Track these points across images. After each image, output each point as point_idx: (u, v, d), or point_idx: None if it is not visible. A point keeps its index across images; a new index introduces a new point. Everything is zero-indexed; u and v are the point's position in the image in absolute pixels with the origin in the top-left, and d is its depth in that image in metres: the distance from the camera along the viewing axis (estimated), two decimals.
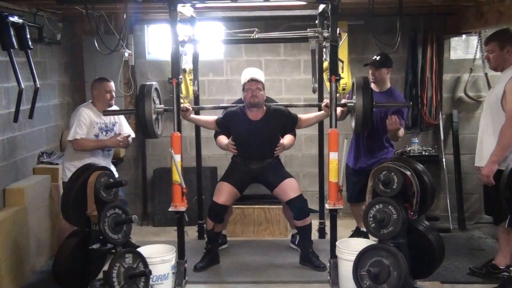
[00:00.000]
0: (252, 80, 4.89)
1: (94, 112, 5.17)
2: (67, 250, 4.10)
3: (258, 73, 5.24)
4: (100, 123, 5.18)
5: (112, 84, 5.29)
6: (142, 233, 6.24)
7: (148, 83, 4.61)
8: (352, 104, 4.43)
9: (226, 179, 5.07)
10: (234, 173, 5.10)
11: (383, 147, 5.15)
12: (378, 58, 5.12)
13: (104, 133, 5.24)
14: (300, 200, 4.92)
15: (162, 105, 4.72)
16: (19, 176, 5.09)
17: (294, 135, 5.24)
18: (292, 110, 5.14)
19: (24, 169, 5.21)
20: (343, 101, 4.82)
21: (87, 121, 5.07)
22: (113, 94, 5.27)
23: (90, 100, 5.30)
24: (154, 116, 4.54)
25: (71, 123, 5.12)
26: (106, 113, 5.08)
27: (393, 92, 5.18)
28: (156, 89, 4.66)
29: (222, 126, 5.08)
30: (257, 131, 4.93)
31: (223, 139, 5.12)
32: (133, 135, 5.45)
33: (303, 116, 5.07)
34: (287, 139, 5.11)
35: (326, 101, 4.68)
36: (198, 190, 5.84)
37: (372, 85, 5.11)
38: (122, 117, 5.45)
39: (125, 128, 5.43)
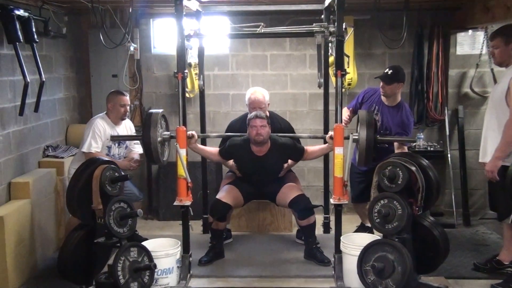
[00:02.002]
0: (257, 118, 4.83)
1: (108, 124, 5.23)
2: (72, 243, 4.11)
3: (262, 94, 5.26)
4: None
5: (127, 98, 5.34)
6: (147, 227, 6.25)
7: (154, 110, 4.54)
8: (357, 137, 4.40)
9: (234, 184, 5.09)
10: (241, 182, 5.14)
11: (388, 151, 5.08)
12: (389, 72, 5.00)
13: (116, 144, 5.29)
14: (301, 199, 4.92)
15: (169, 132, 4.67)
16: (25, 169, 5.11)
17: None
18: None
19: (29, 162, 5.23)
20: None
21: (101, 133, 5.13)
22: (127, 108, 5.33)
23: (105, 112, 5.34)
24: (159, 144, 4.50)
25: (85, 134, 5.15)
26: (114, 138, 5.12)
27: (402, 108, 5.09)
28: (163, 116, 4.63)
29: (226, 157, 5.11)
30: (261, 165, 4.96)
31: (230, 160, 5.19)
32: (141, 151, 5.47)
33: (309, 148, 5.05)
34: (289, 161, 5.22)
35: (330, 133, 4.61)
36: (203, 185, 5.84)
37: (382, 98, 5.09)
38: (132, 130, 5.53)
39: (135, 145, 5.50)
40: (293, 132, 5.42)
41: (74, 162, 5.21)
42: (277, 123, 5.34)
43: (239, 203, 5.13)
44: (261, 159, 4.95)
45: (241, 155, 5.00)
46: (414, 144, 6.25)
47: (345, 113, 5.30)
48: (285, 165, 5.15)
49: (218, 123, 6.54)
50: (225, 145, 5.10)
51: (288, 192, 4.98)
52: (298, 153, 5.04)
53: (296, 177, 5.47)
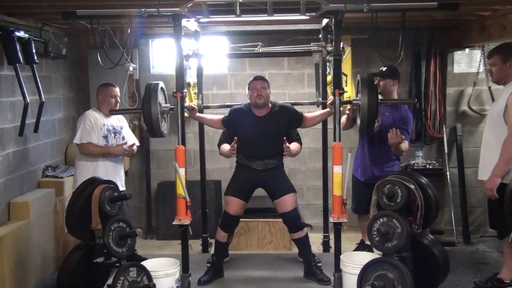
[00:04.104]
0: (257, 79, 4.91)
1: (100, 115, 5.17)
2: (72, 263, 4.10)
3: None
4: (107, 125, 5.17)
5: (117, 89, 5.30)
6: (146, 246, 6.24)
7: (154, 82, 4.61)
8: (358, 101, 4.40)
9: (231, 192, 5.05)
10: (238, 182, 5.06)
11: (389, 159, 5.09)
12: (384, 69, 5.09)
13: (112, 134, 5.22)
14: (292, 212, 4.92)
15: (168, 104, 4.72)
16: (24, 189, 5.11)
17: (301, 143, 5.25)
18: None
19: (29, 182, 5.23)
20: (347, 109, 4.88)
21: (92, 123, 5.05)
22: (118, 99, 5.29)
23: (96, 107, 5.30)
24: (160, 116, 4.53)
25: (77, 127, 5.11)
26: (113, 112, 5.09)
27: (400, 105, 5.14)
28: (162, 88, 4.66)
29: (228, 124, 5.06)
30: (262, 126, 4.90)
31: (226, 147, 5.13)
32: (137, 143, 5.47)
33: (308, 114, 5.06)
34: (293, 145, 5.09)
35: (330, 98, 4.64)
36: (202, 204, 5.83)
37: (380, 97, 5.11)
38: (126, 125, 5.46)
39: (128, 135, 5.45)
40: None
41: (77, 170, 5.15)
42: None
43: (244, 206, 5.05)
44: (262, 120, 4.92)
45: (242, 119, 4.98)
46: (413, 162, 6.26)
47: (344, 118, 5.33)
48: (287, 144, 4.93)
49: (217, 142, 6.53)
50: (227, 114, 5.11)
51: (285, 205, 4.93)
52: (298, 117, 5.02)
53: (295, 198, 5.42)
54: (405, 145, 4.93)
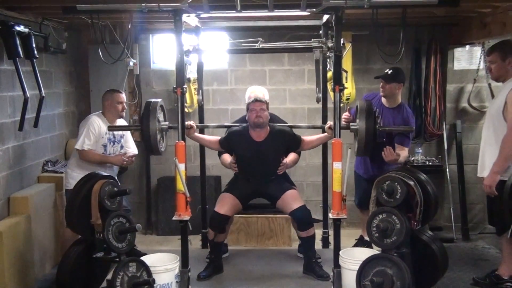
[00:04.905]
0: (256, 101, 4.91)
1: (104, 123, 5.19)
2: (71, 258, 4.11)
3: (262, 92, 5.33)
4: (109, 134, 5.21)
5: (123, 95, 5.34)
6: (146, 241, 6.24)
7: (153, 100, 4.63)
8: (356, 127, 4.43)
9: (230, 191, 5.08)
10: (238, 185, 5.12)
11: (391, 144, 5.05)
12: (390, 72, 5.05)
13: (112, 144, 5.27)
14: (303, 210, 4.92)
15: (167, 123, 4.74)
16: (24, 184, 5.11)
17: (298, 153, 5.28)
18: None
19: (28, 177, 5.23)
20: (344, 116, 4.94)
21: (96, 131, 5.10)
22: (125, 105, 5.32)
23: (101, 111, 5.32)
24: (158, 134, 4.56)
25: (80, 131, 5.13)
26: (111, 128, 5.11)
27: (403, 109, 5.11)
28: (161, 106, 4.69)
29: (225, 146, 5.10)
30: (260, 151, 4.95)
31: (227, 157, 5.17)
32: (136, 152, 5.51)
33: (306, 138, 5.09)
34: (290, 156, 5.17)
35: (329, 123, 4.66)
36: (202, 199, 5.83)
37: (383, 99, 5.12)
38: (128, 134, 5.50)
39: (129, 142, 5.49)
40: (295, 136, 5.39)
41: (70, 166, 5.20)
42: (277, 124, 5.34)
43: (238, 209, 5.09)
44: (259, 145, 4.95)
45: (240, 142, 5.00)
46: (413, 158, 6.26)
47: (346, 113, 5.34)
48: (284, 160, 5.06)
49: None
50: (224, 135, 5.13)
51: (291, 201, 4.95)
52: (296, 141, 5.05)
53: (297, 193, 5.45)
54: (403, 154, 4.94)
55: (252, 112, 4.88)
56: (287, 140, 5.05)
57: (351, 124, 4.55)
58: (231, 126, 5.22)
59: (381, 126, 4.63)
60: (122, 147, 5.38)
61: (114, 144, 5.29)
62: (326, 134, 4.89)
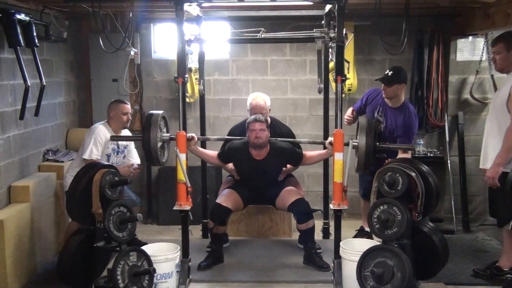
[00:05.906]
0: (256, 121, 4.89)
1: (110, 132, 5.19)
2: (72, 247, 4.11)
3: (263, 99, 5.35)
4: (113, 144, 5.23)
5: (129, 106, 5.35)
6: (146, 231, 6.25)
7: (155, 112, 4.60)
8: (356, 144, 4.41)
9: (234, 188, 5.11)
10: (240, 187, 5.17)
11: (393, 154, 5.06)
12: (389, 73, 5.00)
13: (115, 154, 5.30)
14: (300, 202, 4.93)
15: (169, 134, 4.71)
16: (25, 173, 5.11)
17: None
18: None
19: (29, 166, 5.23)
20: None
21: (103, 140, 5.10)
22: (129, 116, 5.33)
23: (106, 120, 5.32)
24: (159, 144, 4.53)
25: (87, 141, 5.10)
26: (114, 138, 5.10)
27: (406, 109, 5.06)
28: (163, 117, 4.66)
29: (225, 160, 5.14)
30: (260, 169, 4.99)
31: (229, 163, 5.23)
32: (139, 162, 5.53)
33: (308, 153, 5.09)
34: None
35: (330, 139, 4.63)
36: (202, 189, 5.84)
37: (386, 100, 5.09)
38: (131, 144, 5.51)
39: (132, 153, 5.52)
40: (293, 138, 5.44)
41: (71, 169, 5.15)
42: (278, 129, 5.36)
43: (239, 207, 5.15)
44: (259, 163, 4.97)
45: (240, 159, 5.03)
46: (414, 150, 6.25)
47: (349, 111, 5.33)
48: (284, 168, 5.17)
49: (218, 128, 6.54)
50: (224, 149, 5.13)
51: (288, 196, 4.99)
52: (296, 157, 5.06)
53: (298, 182, 5.50)
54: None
55: (252, 132, 4.88)
56: (288, 158, 5.11)
57: (351, 140, 4.44)
58: (232, 140, 5.20)
59: (381, 144, 4.56)
60: (125, 157, 5.40)
61: (117, 154, 5.32)
62: (327, 150, 4.87)
